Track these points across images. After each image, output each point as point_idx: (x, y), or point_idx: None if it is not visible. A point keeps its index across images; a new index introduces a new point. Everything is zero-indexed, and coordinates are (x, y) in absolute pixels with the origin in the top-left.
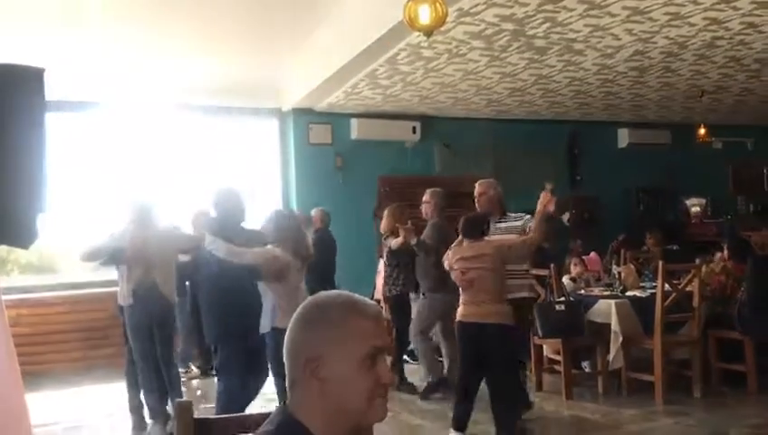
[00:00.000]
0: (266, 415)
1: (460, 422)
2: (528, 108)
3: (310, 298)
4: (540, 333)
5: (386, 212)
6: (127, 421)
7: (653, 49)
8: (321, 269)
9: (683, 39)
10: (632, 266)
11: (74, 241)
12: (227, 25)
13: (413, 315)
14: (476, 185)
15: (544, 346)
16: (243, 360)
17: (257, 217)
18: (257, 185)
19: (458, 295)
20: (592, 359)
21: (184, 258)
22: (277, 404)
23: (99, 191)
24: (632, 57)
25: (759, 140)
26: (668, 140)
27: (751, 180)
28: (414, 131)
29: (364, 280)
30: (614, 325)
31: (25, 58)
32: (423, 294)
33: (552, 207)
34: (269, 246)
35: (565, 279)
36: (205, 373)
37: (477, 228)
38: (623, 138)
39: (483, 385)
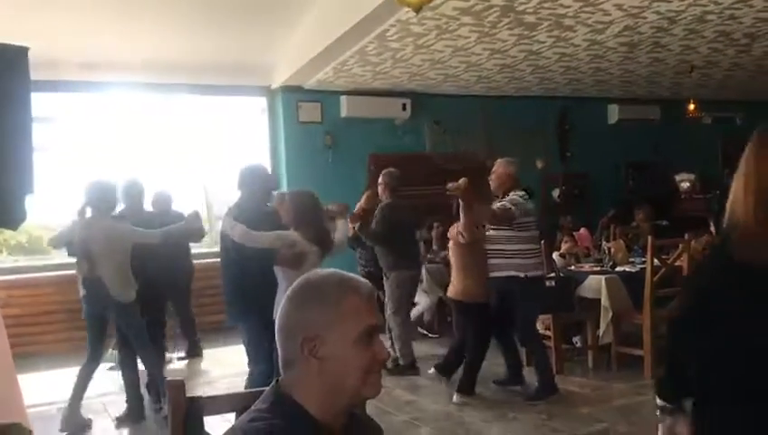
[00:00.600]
0: (258, 393)
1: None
2: (518, 84)
3: (302, 277)
4: None
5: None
6: (119, 401)
7: (643, 24)
8: None
9: (673, 14)
10: (622, 242)
11: (63, 222)
12: (215, 2)
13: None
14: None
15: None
16: (267, 343)
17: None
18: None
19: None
20: (582, 334)
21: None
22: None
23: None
24: (622, 32)
25: (748, 115)
26: (658, 116)
27: (740, 155)
28: (404, 109)
29: (354, 259)
30: (604, 301)
31: (5, 36)
32: (385, 275)
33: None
34: (287, 232)
35: (555, 255)
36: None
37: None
38: (613, 114)
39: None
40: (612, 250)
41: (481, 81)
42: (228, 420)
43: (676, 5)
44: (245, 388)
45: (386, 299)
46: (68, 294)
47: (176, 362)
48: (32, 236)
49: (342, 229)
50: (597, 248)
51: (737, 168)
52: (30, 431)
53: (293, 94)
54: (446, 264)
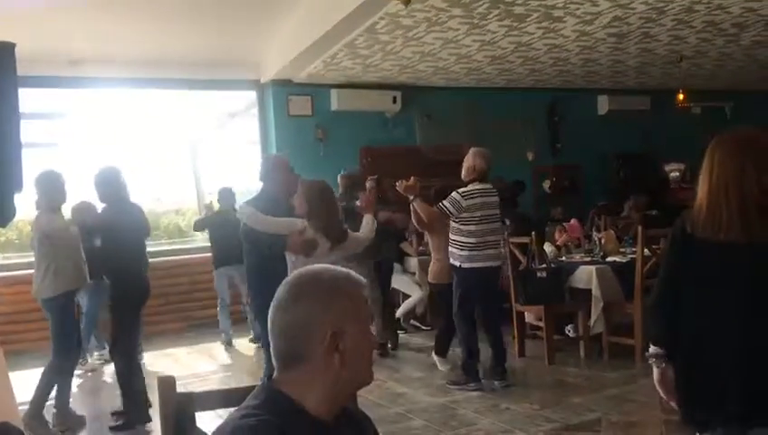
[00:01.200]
0: (249, 389)
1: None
2: (508, 76)
3: (310, 273)
4: (522, 299)
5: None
6: (111, 398)
7: (631, 15)
8: None
9: (661, 4)
10: (612, 233)
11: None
12: None
13: None
14: None
15: (526, 313)
16: None
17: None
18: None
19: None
20: (574, 324)
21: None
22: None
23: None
24: (611, 23)
25: (737, 105)
26: (648, 107)
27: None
28: (394, 101)
29: None
30: (595, 291)
31: None
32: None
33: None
34: (297, 219)
35: (546, 246)
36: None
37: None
38: (603, 105)
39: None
40: (603, 241)
41: (471, 73)
42: (220, 416)
43: None
44: None
45: None
46: None
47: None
48: (22, 232)
49: (368, 225)
50: (588, 239)
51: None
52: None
53: (283, 88)
54: None
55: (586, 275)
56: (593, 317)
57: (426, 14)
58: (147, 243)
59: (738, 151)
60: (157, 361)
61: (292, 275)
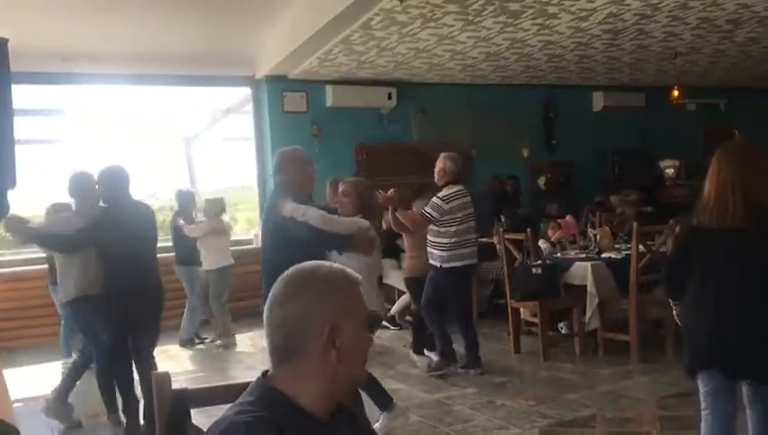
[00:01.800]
0: (245, 386)
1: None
2: (503, 72)
3: (307, 270)
4: (517, 295)
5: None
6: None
7: (626, 11)
8: None
9: (656, 0)
10: (607, 229)
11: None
12: None
13: None
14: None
15: (522, 309)
16: None
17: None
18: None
19: None
20: (569, 320)
21: None
22: None
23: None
24: (606, 19)
25: (731, 101)
26: (643, 103)
27: (723, 142)
28: (390, 98)
29: None
30: (590, 287)
31: None
32: None
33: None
34: (360, 218)
35: (541, 242)
36: None
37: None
38: (598, 101)
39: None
40: (598, 237)
41: (466, 69)
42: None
43: None
44: None
45: None
46: None
47: None
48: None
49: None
50: (583, 235)
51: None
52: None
53: (278, 84)
54: None
55: (581, 272)
56: (588, 313)
57: (421, 11)
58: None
59: (738, 157)
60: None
61: (289, 271)
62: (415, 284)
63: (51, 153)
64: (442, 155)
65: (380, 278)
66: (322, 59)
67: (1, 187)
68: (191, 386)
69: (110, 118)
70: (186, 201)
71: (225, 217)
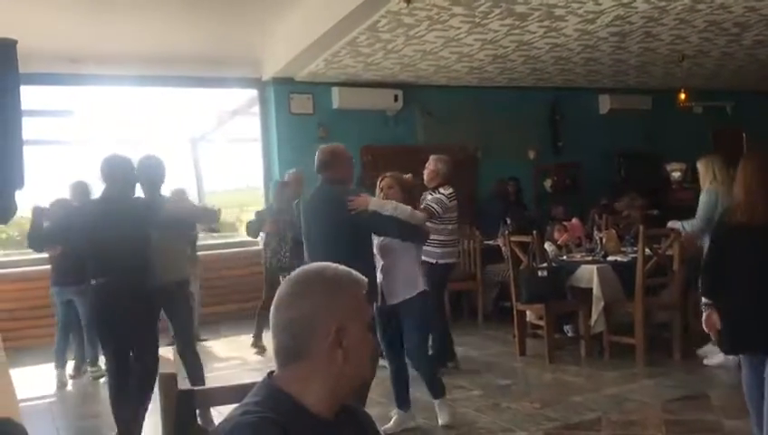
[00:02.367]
0: (251, 386)
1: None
2: (509, 75)
3: (313, 271)
4: (523, 298)
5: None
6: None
7: (634, 14)
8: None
9: (664, 3)
10: (613, 232)
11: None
12: None
13: None
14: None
15: (527, 312)
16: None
17: None
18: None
19: None
20: (574, 323)
21: None
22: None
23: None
24: (613, 22)
25: (738, 104)
26: (649, 106)
27: (730, 145)
28: (396, 100)
29: None
30: (596, 290)
31: None
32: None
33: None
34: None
35: (548, 245)
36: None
37: None
38: (604, 104)
39: None
40: (604, 240)
41: (473, 72)
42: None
43: None
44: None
45: None
46: None
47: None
48: (23, 229)
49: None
50: (589, 238)
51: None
52: (22, 427)
53: (285, 86)
54: None
55: (587, 275)
56: (594, 316)
57: (427, 13)
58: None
59: (761, 165)
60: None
61: (296, 272)
62: None
63: (59, 154)
64: (433, 157)
65: None
66: (329, 61)
67: (9, 187)
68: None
69: (117, 119)
70: (82, 196)
71: None
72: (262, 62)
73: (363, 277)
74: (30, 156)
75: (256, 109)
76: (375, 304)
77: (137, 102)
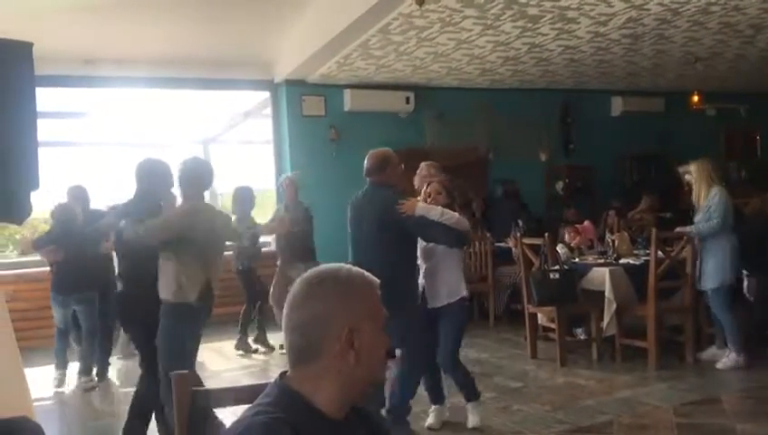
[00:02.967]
0: (264, 386)
1: None
2: (521, 77)
3: (327, 271)
4: (534, 300)
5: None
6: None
7: (646, 16)
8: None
9: (676, 5)
10: (626, 234)
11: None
12: None
13: None
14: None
15: (539, 314)
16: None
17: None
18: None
19: None
20: (586, 326)
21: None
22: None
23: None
24: (625, 24)
25: (752, 106)
26: (662, 108)
27: (743, 147)
28: (407, 102)
29: None
30: (608, 293)
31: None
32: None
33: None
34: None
35: (560, 247)
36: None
37: None
38: (617, 106)
39: None
40: (616, 242)
41: (484, 73)
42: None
43: None
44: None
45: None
46: None
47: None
48: (37, 230)
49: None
50: (601, 240)
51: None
52: (38, 425)
53: (297, 88)
54: None
55: (599, 277)
56: (606, 319)
57: (439, 15)
58: None
59: None
60: None
61: (309, 272)
62: None
63: (73, 155)
64: (424, 163)
65: None
66: (341, 63)
67: (24, 188)
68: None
69: (130, 121)
70: (80, 202)
71: None
72: (274, 65)
73: (376, 279)
74: (44, 157)
75: (268, 111)
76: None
77: (150, 104)
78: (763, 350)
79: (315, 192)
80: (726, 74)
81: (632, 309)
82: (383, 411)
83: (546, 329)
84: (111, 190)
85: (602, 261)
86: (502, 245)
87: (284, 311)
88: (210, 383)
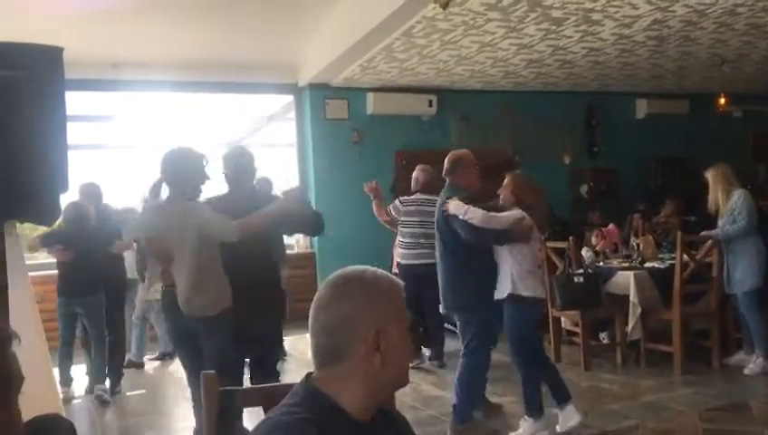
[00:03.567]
0: (290, 386)
1: None
2: (545, 79)
3: (353, 273)
4: (558, 304)
5: None
6: (155, 392)
7: (672, 18)
8: None
9: (703, 7)
10: (650, 238)
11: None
12: (242, 1)
13: None
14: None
15: (563, 318)
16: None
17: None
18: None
19: None
20: (611, 330)
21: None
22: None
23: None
24: (650, 26)
25: None
26: (687, 110)
27: None
28: (430, 105)
29: (382, 254)
30: (633, 297)
31: (41, 36)
32: None
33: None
34: (516, 210)
35: (584, 251)
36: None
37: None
38: (641, 108)
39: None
40: (641, 246)
41: (508, 76)
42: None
43: None
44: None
45: None
46: None
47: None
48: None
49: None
50: (625, 244)
51: None
52: (70, 422)
53: (320, 92)
54: None
55: (624, 281)
56: (631, 323)
57: (463, 18)
58: None
59: None
60: None
61: (335, 274)
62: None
63: (100, 158)
64: (418, 166)
65: None
66: (364, 66)
67: (53, 190)
68: None
69: (155, 124)
70: (92, 199)
71: None
72: (298, 69)
73: (401, 281)
74: (73, 160)
75: (292, 114)
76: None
77: (175, 108)
78: None
79: (338, 195)
80: (754, 76)
81: (657, 313)
82: None
83: (570, 333)
84: (137, 191)
85: (627, 265)
86: None
87: (310, 313)
88: None
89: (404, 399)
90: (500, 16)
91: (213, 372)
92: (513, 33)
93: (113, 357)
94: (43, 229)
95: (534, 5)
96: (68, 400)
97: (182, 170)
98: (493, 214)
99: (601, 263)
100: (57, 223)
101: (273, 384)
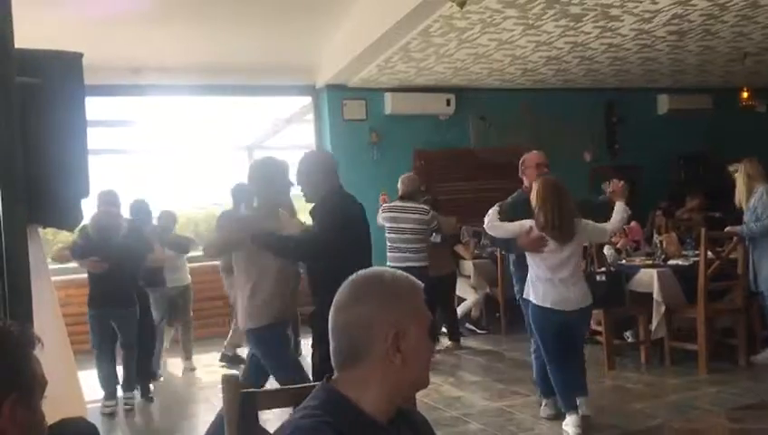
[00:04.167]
0: (310, 389)
1: None
2: (564, 76)
3: (372, 275)
4: None
5: None
6: (176, 396)
7: (692, 12)
8: None
9: (724, 0)
10: (674, 235)
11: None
12: (260, 3)
13: None
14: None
15: None
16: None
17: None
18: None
19: None
20: (634, 329)
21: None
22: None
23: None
24: (671, 21)
25: None
26: (710, 105)
27: None
28: (448, 104)
29: None
30: (656, 295)
31: (60, 42)
32: None
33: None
34: (526, 220)
35: (606, 249)
36: None
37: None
38: (663, 104)
39: None
40: (664, 243)
41: (526, 74)
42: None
43: None
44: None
45: None
46: None
47: None
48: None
49: (619, 214)
50: (648, 242)
51: None
52: (94, 426)
53: (338, 93)
54: (494, 260)
55: (647, 279)
56: (654, 322)
57: (480, 16)
58: None
59: None
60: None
61: (354, 275)
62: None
63: (121, 163)
64: (402, 176)
65: None
66: (382, 67)
67: (75, 195)
68: None
69: (175, 128)
70: (141, 215)
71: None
72: (316, 70)
73: (420, 283)
74: (93, 165)
75: (310, 116)
76: None
77: (194, 111)
78: None
79: (356, 195)
80: None
81: (682, 311)
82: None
83: (593, 332)
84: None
85: (650, 262)
86: None
87: (330, 314)
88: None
89: (424, 399)
90: (517, 13)
91: (234, 374)
92: (531, 30)
93: (142, 365)
94: (65, 235)
95: (552, 2)
96: (112, 414)
97: (271, 179)
98: (498, 223)
99: (624, 261)
100: (78, 229)
101: (293, 386)
